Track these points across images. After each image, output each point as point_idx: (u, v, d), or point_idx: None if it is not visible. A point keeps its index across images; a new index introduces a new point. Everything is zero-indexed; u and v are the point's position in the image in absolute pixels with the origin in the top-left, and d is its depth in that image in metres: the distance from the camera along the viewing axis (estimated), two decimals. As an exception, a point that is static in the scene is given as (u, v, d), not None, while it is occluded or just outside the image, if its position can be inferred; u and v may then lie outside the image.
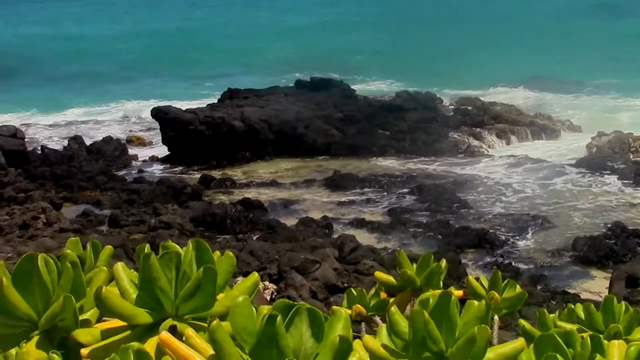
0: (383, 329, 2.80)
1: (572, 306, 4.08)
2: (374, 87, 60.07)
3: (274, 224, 28.68)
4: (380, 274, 4.78)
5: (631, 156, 36.52)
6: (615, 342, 2.82)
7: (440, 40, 75.66)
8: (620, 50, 66.46)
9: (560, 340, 2.58)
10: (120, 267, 2.80)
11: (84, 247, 3.42)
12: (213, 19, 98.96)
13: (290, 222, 29.42)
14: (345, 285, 21.82)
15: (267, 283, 21.14)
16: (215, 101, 46.16)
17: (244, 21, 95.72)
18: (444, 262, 4.59)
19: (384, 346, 2.73)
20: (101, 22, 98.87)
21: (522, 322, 3.86)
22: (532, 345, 2.69)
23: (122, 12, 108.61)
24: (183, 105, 46.06)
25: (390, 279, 4.69)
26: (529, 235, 28.48)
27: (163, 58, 74.00)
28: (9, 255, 22.48)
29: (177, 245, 2.84)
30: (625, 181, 33.60)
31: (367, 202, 32.41)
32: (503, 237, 28.04)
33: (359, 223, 29.75)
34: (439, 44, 74.34)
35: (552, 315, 4.01)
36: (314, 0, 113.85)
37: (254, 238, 27.35)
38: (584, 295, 22.69)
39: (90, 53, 77.23)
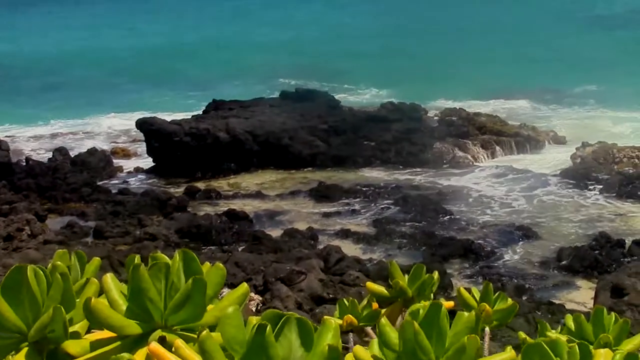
0: (375, 342, 2.80)
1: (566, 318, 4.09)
2: (359, 97, 60.12)
3: (259, 235, 28.67)
4: (371, 285, 4.78)
5: (615, 167, 36.62)
6: (602, 350, 2.82)
7: (427, 51, 75.67)
8: (606, 60, 66.71)
9: (547, 349, 2.58)
10: (109, 278, 2.79)
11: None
12: (200, 32, 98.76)
13: (276, 233, 29.43)
14: (331, 296, 21.85)
15: (252, 294, 21.12)
16: (201, 112, 46.17)
17: (232, 34, 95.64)
18: (436, 274, 4.59)
19: (375, 357, 2.74)
20: (86, 34, 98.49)
21: (523, 335, 3.87)
22: (519, 355, 2.70)
23: (110, 25, 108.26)
24: (168, 116, 46.08)
25: (382, 289, 4.68)
26: (514, 246, 28.55)
27: (149, 70, 73.80)
28: (-6, 267, 22.41)
29: (165, 256, 2.83)
30: (610, 192, 33.72)
31: (353, 213, 32.44)
32: (488, 248, 28.09)
33: (345, 234, 29.79)
34: (426, 54, 74.42)
35: (553, 331, 4.03)
36: (303, 13, 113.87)
37: (240, 249, 27.36)
38: (569, 306, 22.74)
39: (75, 64, 76.95)
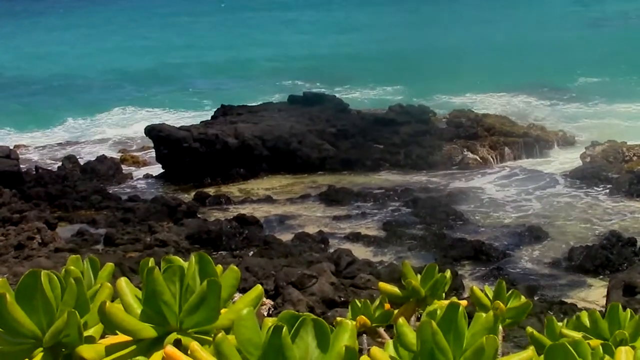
0: (391, 343, 2.80)
1: (579, 314, 4.07)
2: (365, 95, 60.35)
3: (269, 239, 28.64)
4: (384, 285, 4.78)
5: (625, 165, 36.55)
6: (623, 348, 2.81)
7: (429, 49, 75.69)
8: (602, 55, 67.15)
9: (572, 350, 2.57)
10: (123, 282, 2.80)
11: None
12: (202, 35, 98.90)
13: (286, 237, 29.38)
14: (342, 299, 21.84)
15: (264, 299, 21.11)
16: (208, 115, 46.39)
17: (235, 37, 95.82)
18: (448, 273, 4.59)
19: (392, 358, 2.73)
20: (88, 41, 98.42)
21: (530, 329, 3.85)
22: (542, 356, 2.68)
23: (110, 29, 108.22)
24: (172, 114, 46.73)
25: (394, 289, 4.68)
26: (524, 246, 28.49)
27: (154, 73, 73.89)
28: (5, 275, 22.43)
29: (180, 259, 2.84)
30: (620, 191, 33.63)
31: (363, 216, 32.39)
32: (499, 249, 28.02)
33: (355, 237, 29.73)
34: (429, 51, 74.51)
35: (559, 324, 4.00)
36: (303, 16, 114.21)
37: (250, 254, 27.32)
38: (581, 305, 22.69)
39: (78, 70, 76.92)
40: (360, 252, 27.70)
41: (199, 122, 44.29)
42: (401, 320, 2.78)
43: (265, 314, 20.12)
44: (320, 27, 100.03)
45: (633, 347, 2.94)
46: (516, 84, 57.58)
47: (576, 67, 63.13)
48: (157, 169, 40.88)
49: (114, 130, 52.50)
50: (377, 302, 4.85)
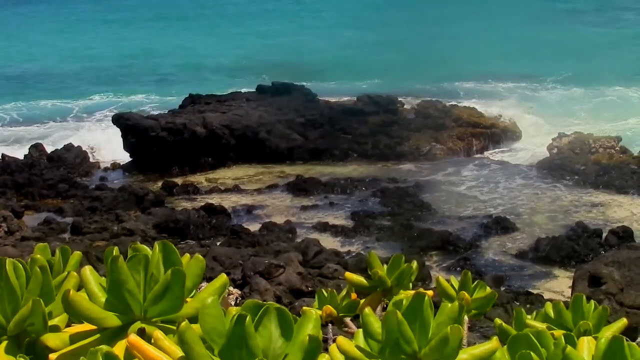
0: (360, 332, 2.81)
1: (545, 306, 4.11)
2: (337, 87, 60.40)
3: (237, 229, 28.60)
4: (350, 275, 4.78)
5: (591, 157, 36.75)
6: (585, 338, 2.84)
7: (401, 41, 75.78)
8: (574, 48, 67.85)
9: (534, 340, 2.59)
10: (88, 270, 2.79)
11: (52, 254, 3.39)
12: (170, 33, 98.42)
13: (254, 227, 29.37)
14: (310, 289, 21.86)
15: (231, 288, 21.07)
16: (177, 106, 46.18)
17: (203, 32, 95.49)
18: (414, 264, 4.60)
19: (358, 347, 2.74)
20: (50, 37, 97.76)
21: (499, 320, 3.88)
22: (505, 346, 2.71)
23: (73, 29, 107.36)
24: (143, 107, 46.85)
25: (360, 279, 4.69)
26: (491, 237, 28.60)
27: (119, 65, 73.67)
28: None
29: (146, 248, 2.83)
30: (586, 182, 33.82)
31: (330, 206, 32.40)
32: (466, 239, 28.12)
33: (323, 227, 29.76)
34: (395, 39, 74.86)
35: (527, 316, 4.04)
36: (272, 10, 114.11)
37: (218, 244, 27.30)
38: (547, 295, 22.86)
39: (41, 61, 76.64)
40: (328, 242, 27.74)
41: (166, 112, 44.13)
42: (367, 310, 2.79)
43: (233, 303, 20.09)
44: (292, 20, 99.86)
45: (596, 338, 2.96)
46: (489, 73, 58.26)
47: (554, 58, 63.77)
48: (124, 158, 40.67)
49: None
50: (343, 292, 4.86)
